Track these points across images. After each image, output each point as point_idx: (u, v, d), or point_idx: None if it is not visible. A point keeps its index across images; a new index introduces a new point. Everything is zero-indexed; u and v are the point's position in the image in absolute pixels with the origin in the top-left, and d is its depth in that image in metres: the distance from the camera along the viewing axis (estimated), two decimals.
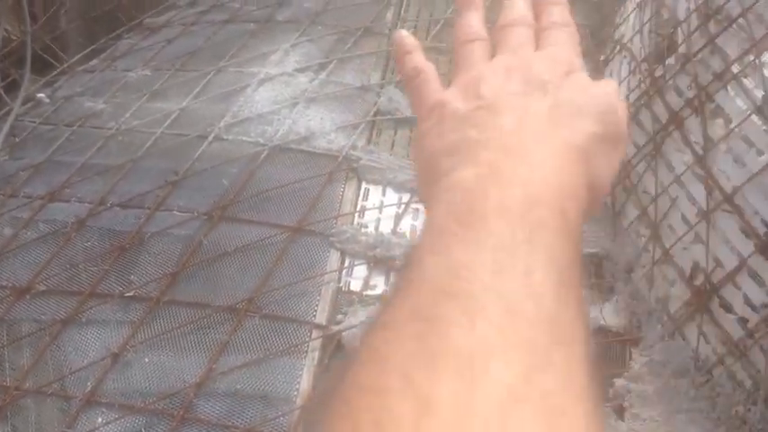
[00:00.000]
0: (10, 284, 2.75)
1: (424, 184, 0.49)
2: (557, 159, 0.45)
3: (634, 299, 2.53)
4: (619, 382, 2.27)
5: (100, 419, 2.26)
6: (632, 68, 3.10)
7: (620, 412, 2.20)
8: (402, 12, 4.43)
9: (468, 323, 0.36)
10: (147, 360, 2.41)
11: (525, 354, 0.36)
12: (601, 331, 2.47)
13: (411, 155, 0.57)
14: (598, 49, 3.68)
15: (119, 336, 2.50)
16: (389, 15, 4.39)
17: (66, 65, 4.31)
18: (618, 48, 3.42)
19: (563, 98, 0.50)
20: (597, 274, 2.71)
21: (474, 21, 0.59)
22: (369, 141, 3.36)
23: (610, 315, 2.51)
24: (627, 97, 2.98)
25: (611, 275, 2.67)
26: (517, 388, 0.34)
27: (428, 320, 0.37)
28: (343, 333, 2.42)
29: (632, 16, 3.51)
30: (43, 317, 2.60)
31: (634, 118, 2.76)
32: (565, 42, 0.56)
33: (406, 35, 0.62)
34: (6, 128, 3.65)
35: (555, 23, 0.57)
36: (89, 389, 2.34)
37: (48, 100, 3.97)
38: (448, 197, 0.44)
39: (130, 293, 2.64)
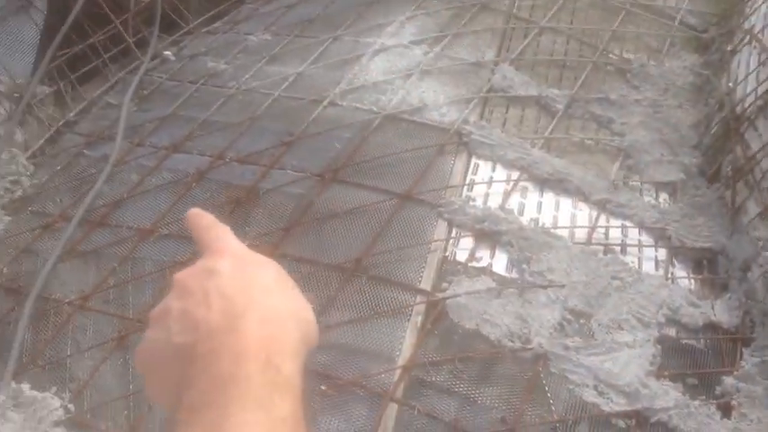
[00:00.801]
0: (135, 226, 2.92)
1: (163, 393, 0.58)
2: (260, 325, 0.56)
3: (749, 298, 2.47)
4: (728, 380, 2.23)
5: None
6: (762, 60, 3.00)
7: (726, 410, 2.17)
8: None
9: None
10: None
11: None
12: (710, 327, 2.44)
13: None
14: (726, 39, 3.57)
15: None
16: None
17: (191, 26, 4.48)
18: (747, 38, 3.31)
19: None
20: (710, 269, 2.66)
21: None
22: (480, 117, 3.38)
23: (721, 312, 2.46)
24: (755, 90, 2.90)
25: (725, 272, 2.61)
26: None
27: None
28: (447, 301, 2.46)
29: (764, 6, 3.39)
30: (164, 258, 2.76)
31: (762, 111, 2.68)
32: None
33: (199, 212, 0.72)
34: (136, 81, 3.84)
35: None
36: None
37: (174, 58, 4.15)
38: (182, 396, 0.53)
39: (245, 243, 2.75)
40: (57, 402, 2.38)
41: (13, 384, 2.44)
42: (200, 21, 4.53)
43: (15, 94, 3.55)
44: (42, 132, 3.61)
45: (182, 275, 0.62)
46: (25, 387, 2.43)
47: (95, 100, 3.86)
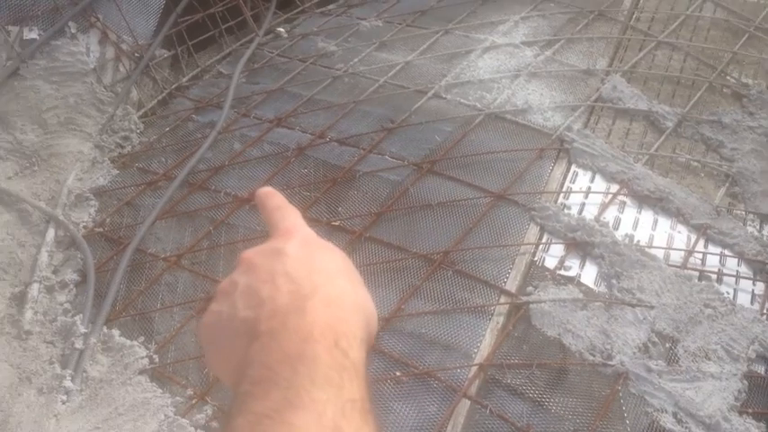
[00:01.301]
0: (233, 193, 3.01)
1: (225, 366, 0.59)
2: (327, 308, 0.56)
3: None
4: None
5: None
6: None
7: None
8: (641, 1, 4.29)
9: None
10: None
11: None
12: None
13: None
14: None
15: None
16: (627, 2, 4.27)
17: (306, 5, 4.56)
18: None
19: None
20: None
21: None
22: (585, 126, 3.32)
23: None
24: None
25: None
26: None
27: None
28: (531, 305, 2.44)
29: None
30: (257, 227, 2.83)
31: None
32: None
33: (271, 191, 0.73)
34: (248, 54, 3.94)
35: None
36: None
37: (286, 35, 4.24)
38: (246, 370, 0.54)
39: (336, 223, 2.81)
40: (143, 352, 2.48)
41: (105, 329, 2.56)
42: (315, 1, 4.60)
43: (136, 55, 3.70)
44: (156, 93, 3.75)
45: (249, 253, 0.63)
46: (115, 333, 2.54)
47: (208, 68, 3.98)
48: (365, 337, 0.58)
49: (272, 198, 0.71)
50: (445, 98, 3.52)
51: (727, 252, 2.71)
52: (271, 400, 0.50)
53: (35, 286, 2.69)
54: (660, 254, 2.63)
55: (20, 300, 2.67)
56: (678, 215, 2.83)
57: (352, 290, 0.61)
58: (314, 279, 0.59)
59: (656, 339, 2.31)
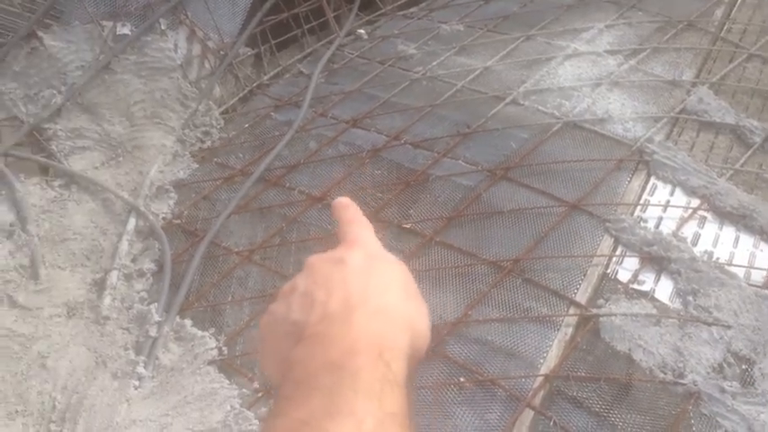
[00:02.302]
0: (307, 191, 3.05)
1: (272, 365, 0.61)
2: (373, 319, 0.56)
3: None
4: None
5: None
6: None
7: None
8: (733, 12, 4.15)
9: None
10: None
11: None
12: None
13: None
14: None
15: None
16: (718, 13, 4.13)
17: (388, 8, 4.59)
18: None
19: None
20: None
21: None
22: (667, 137, 3.23)
23: None
24: None
25: None
26: None
27: None
28: (601, 318, 2.39)
29: None
30: (328, 226, 2.86)
31: None
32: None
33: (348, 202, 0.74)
34: (328, 54, 3.99)
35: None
36: None
37: (366, 36, 4.27)
38: (289, 372, 0.54)
39: (407, 226, 2.81)
40: (213, 343, 2.54)
41: (178, 318, 2.63)
42: (397, 4, 4.63)
43: (221, 52, 3.79)
44: (237, 91, 3.84)
45: (314, 258, 0.65)
46: (187, 323, 2.61)
47: (289, 67, 4.05)
48: (410, 352, 0.57)
49: (348, 210, 0.73)
50: (523, 105, 3.48)
51: None
52: (310, 407, 0.50)
53: (114, 273, 2.79)
54: (740, 272, 2.54)
55: (100, 286, 2.78)
56: (762, 233, 2.72)
57: (403, 304, 0.61)
58: (367, 290, 0.59)
59: (732, 360, 2.23)
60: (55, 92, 3.43)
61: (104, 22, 3.61)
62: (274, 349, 0.60)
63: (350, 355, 0.53)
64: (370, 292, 0.59)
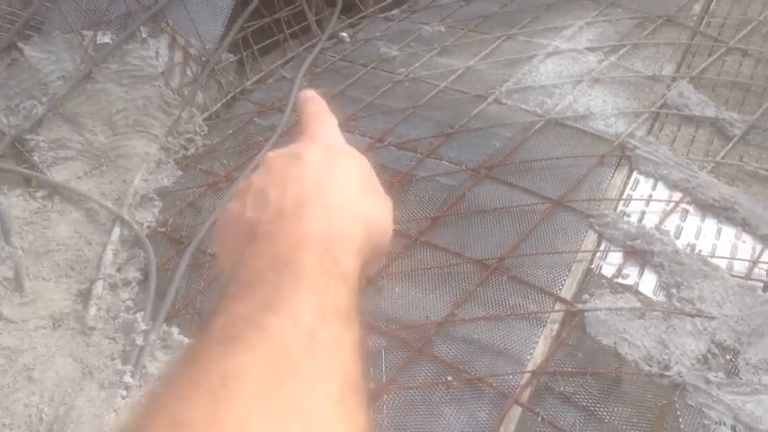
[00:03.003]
0: None
1: (225, 265, 0.59)
2: (325, 214, 0.55)
3: None
4: None
5: None
6: None
7: None
8: (711, 6, 4.18)
9: (231, 355, 0.44)
10: (397, 290, 2.57)
11: (276, 366, 0.44)
12: None
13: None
14: None
15: (375, 263, 2.68)
16: (697, 8, 4.17)
17: (369, 10, 4.60)
18: None
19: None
20: None
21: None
22: (649, 132, 3.25)
23: None
24: None
25: None
26: (261, 396, 0.42)
27: (198, 359, 0.46)
28: (587, 313, 2.40)
29: None
30: None
31: None
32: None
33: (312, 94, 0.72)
34: (311, 58, 4.00)
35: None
36: None
37: (349, 39, 4.28)
38: (238, 271, 0.53)
39: (393, 227, 2.81)
40: None
41: (165, 326, 2.62)
42: (378, 6, 4.64)
43: (203, 59, 3.79)
44: (220, 97, 3.84)
45: (271, 155, 0.63)
46: (174, 330, 2.60)
47: (272, 72, 4.05)
48: (364, 246, 0.56)
49: (311, 103, 0.70)
50: (505, 104, 3.50)
51: None
52: (251, 303, 0.49)
53: (100, 283, 2.78)
54: (723, 264, 2.56)
55: (85, 296, 2.77)
56: (744, 225, 2.74)
57: (360, 199, 0.60)
58: (322, 185, 0.58)
59: (717, 351, 2.25)
60: (36, 102, 3.42)
61: (85, 32, 3.60)
62: (230, 249, 0.59)
63: (296, 250, 0.52)
64: (325, 187, 0.58)
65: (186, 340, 2.56)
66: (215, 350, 0.46)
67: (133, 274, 2.85)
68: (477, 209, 2.88)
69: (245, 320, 0.48)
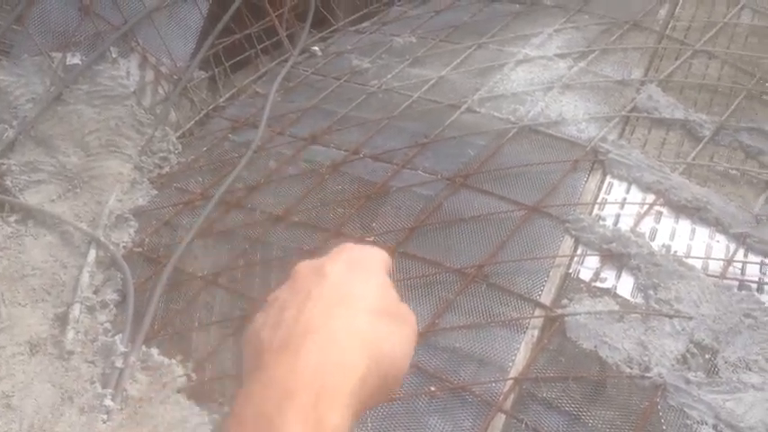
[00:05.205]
0: (268, 211, 3.05)
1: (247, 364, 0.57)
2: (325, 350, 0.53)
3: None
4: None
5: None
6: None
7: None
8: (677, 10, 4.25)
9: None
10: None
11: None
12: None
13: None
14: None
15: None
16: (663, 12, 4.23)
17: (340, 23, 4.62)
18: None
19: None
20: None
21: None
22: (620, 136, 3.29)
23: None
24: None
25: None
26: None
27: None
28: (566, 318, 2.41)
29: None
30: (291, 244, 2.86)
31: None
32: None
33: None
34: (283, 73, 4.00)
35: None
36: None
37: (320, 53, 4.29)
38: (237, 405, 0.52)
39: (370, 239, 2.82)
40: (180, 370, 2.52)
41: (144, 348, 2.60)
42: (349, 20, 4.66)
43: (174, 77, 3.78)
44: (193, 114, 3.82)
45: (300, 267, 0.63)
46: (154, 351, 2.58)
47: (244, 88, 4.05)
48: (363, 387, 0.53)
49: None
50: (479, 112, 3.52)
51: (767, 261, 2.65)
52: None
53: (77, 307, 2.75)
54: (698, 264, 2.59)
55: (62, 320, 2.74)
56: (717, 224, 2.78)
57: (372, 322, 0.57)
58: (332, 310, 0.57)
59: (695, 350, 2.27)
60: (6, 126, 3.38)
61: (54, 54, 3.58)
62: (246, 358, 0.58)
63: (280, 410, 0.50)
64: (336, 311, 0.56)
65: (167, 361, 2.54)
66: None
67: (110, 295, 2.82)
68: (454, 218, 2.89)
69: None
